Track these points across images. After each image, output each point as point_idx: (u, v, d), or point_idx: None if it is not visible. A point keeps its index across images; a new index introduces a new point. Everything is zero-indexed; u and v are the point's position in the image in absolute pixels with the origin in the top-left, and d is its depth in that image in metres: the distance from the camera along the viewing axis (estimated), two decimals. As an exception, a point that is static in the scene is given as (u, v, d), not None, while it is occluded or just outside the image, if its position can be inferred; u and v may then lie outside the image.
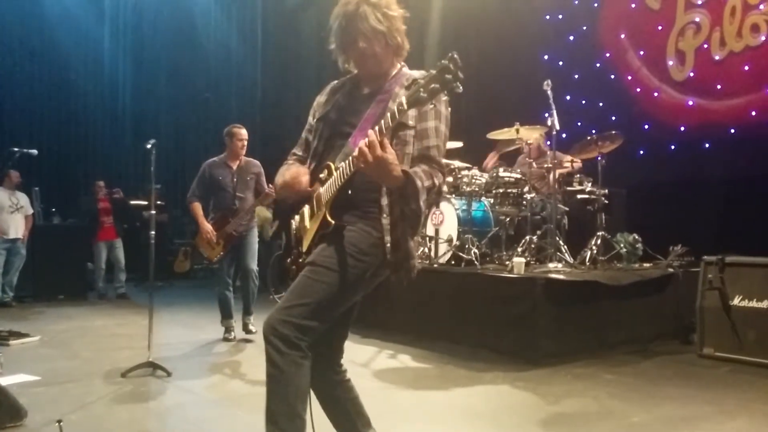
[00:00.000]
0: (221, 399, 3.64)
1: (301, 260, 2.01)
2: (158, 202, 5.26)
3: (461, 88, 1.60)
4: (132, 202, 9.03)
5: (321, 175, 1.97)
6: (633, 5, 7.31)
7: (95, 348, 5.08)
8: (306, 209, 2.06)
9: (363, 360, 4.49)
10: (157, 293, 6.20)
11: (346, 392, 2.09)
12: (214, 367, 4.42)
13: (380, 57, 1.97)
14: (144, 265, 8.40)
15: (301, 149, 2.18)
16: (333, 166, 1.95)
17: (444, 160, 1.99)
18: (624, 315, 4.83)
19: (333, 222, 1.90)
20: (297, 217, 2.12)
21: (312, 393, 1.94)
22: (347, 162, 1.85)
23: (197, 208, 5.40)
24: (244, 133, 5.49)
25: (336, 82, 2.15)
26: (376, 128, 1.74)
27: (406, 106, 1.69)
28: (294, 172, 2.02)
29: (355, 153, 1.75)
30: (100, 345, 5.24)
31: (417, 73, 1.90)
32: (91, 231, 8.51)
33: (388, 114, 1.74)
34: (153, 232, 4.30)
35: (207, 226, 5.28)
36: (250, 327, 5.41)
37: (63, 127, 12.40)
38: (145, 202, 4.47)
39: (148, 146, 4.14)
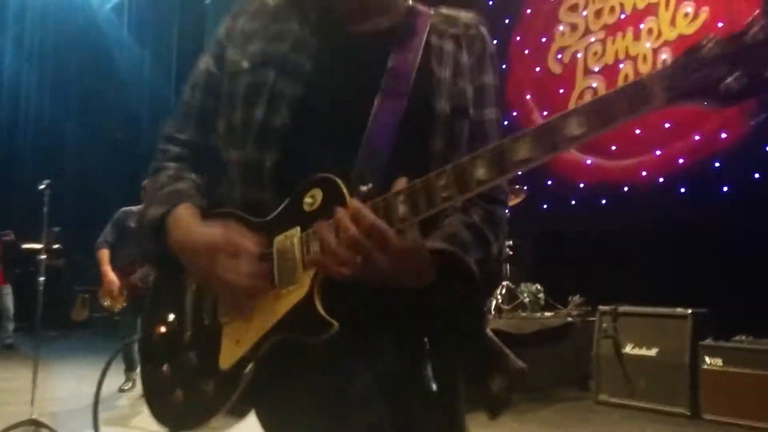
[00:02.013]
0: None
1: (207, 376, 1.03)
2: (55, 246, 5.01)
3: None
4: (24, 246, 8.49)
5: (307, 198, 1.00)
6: (537, 69, 7.80)
7: (-26, 403, 4.68)
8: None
9: None
10: (50, 344, 5.83)
11: None
12: (107, 423, 4.16)
13: None
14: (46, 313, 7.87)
15: (195, 128, 1.18)
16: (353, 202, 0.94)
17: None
18: (526, 363, 4.94)
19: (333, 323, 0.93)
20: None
21: None
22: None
23: (104, 254, 5.23)
24: None
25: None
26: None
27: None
28: (216, 234, 1.01)
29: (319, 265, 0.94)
30: (-20, 400, 4.83)
31: (445, 10, 1.20)
32: (-24, 276, 7.93)
33: (444, 70, 1.09)
34: (42, 278, 4.08)
35: (111, 275, 5.10)
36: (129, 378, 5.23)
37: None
38: (39, 246, 4.23)
39: (42, 187, 3.99)
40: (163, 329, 1.13)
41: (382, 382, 1.01)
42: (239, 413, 1.05)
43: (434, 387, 1.05)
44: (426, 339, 1.06)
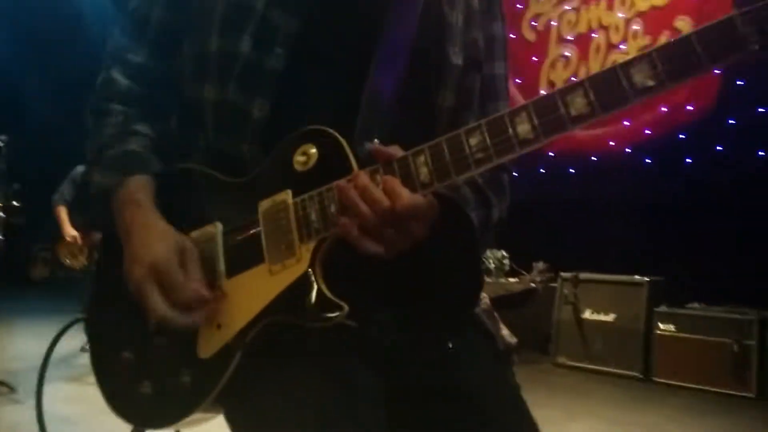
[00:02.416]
0: (70, 416, 3.43)
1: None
2: (14, 204, 4.91)
3: None
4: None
5: (299, 156, 0.85)
6: (512, 36, 7.77)
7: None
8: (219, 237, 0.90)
9: None
10: (8, 302, 5.74)
11: None
12: (69, 381, 4.15)
13: None
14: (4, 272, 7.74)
15: (151, 49, 0.99)
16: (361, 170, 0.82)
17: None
18: (489, 326, 5.09)
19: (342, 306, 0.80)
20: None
21: None
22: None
23: (62, 212, 5.12)
24: None
25: None
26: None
27: None
28: (162, 256, 0.86)
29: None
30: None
31: None
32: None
33: (455, 14, 0.97)
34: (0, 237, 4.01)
35: (71, 233, 4.99)
36: None
37: None
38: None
39: (0, 143, 3.88)
40: (120, 309, 0.93)
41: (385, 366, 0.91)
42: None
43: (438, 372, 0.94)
44: (428, 318, 0.95)
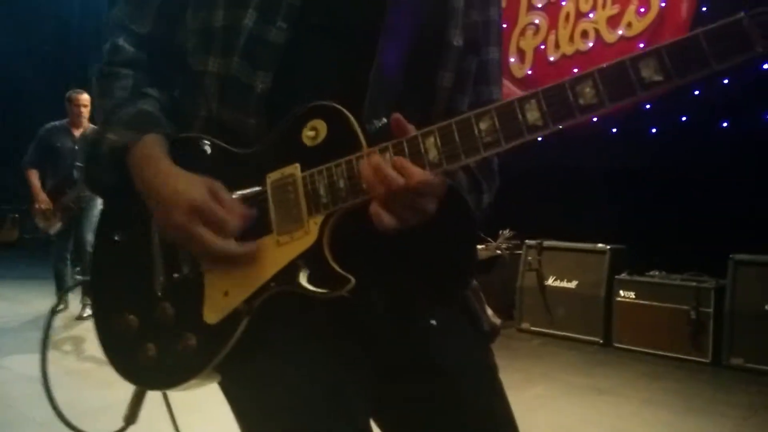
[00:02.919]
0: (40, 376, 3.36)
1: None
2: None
3: None
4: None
5: (308, 130, 0.86)
6: (482, 1, 7.70)
7: None
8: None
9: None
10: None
11: None
12: (38, 343, 4.06)
13: None
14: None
15: (156, 19, 1.00)
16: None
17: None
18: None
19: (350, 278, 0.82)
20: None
21: None
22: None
23: (33, 175, 5.04)
24: (85, 98, 5.07)
25: None
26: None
27: None
28: (200, 195, 0.87)
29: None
30: None
31: None
32: None
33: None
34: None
35: (42, 196, 4.93)
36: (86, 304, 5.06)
37: None
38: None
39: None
40: (124, 272, 0.97)
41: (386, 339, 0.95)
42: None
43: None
44: (424, 294, 0.98)
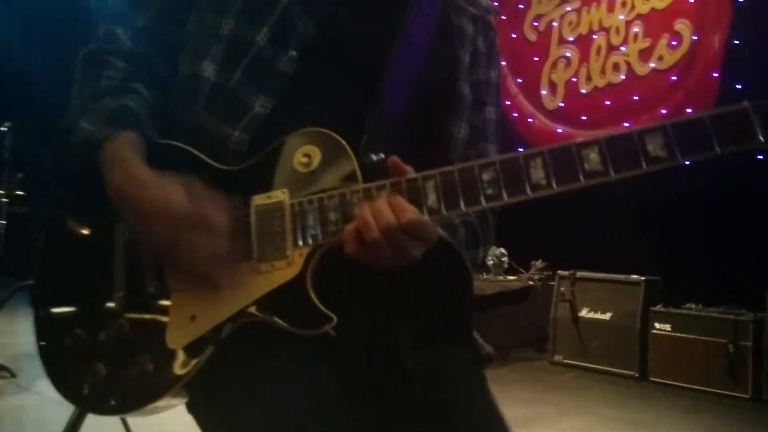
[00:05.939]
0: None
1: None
2: (18, 193, 4.95)
3: None
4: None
5: (300, 156, 0.83)
6: (513, 35, 7.80)
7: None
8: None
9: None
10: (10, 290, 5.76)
11: None
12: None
13: None
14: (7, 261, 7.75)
15: (158, 14, 0.97)
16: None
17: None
18: (486, 324, 5.11)
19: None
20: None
21: None
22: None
23: None
24: None
25: None
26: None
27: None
28: (182, 203, 0.82)
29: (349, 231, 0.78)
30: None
31: None
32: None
33: (464, 54, 0.99)
34: (3, 222, 4.04)
35: None
36: None
37: None
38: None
39: (3, 129, 3.89)
40: (77, 278, 0.87)
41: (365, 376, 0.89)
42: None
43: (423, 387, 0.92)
44: (412, 333, 0.93)
